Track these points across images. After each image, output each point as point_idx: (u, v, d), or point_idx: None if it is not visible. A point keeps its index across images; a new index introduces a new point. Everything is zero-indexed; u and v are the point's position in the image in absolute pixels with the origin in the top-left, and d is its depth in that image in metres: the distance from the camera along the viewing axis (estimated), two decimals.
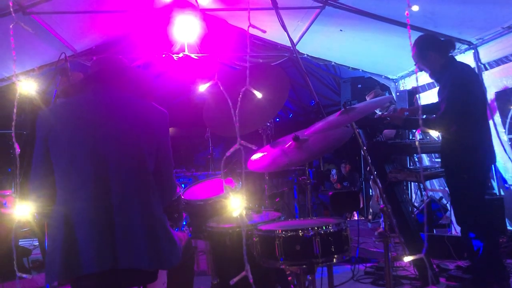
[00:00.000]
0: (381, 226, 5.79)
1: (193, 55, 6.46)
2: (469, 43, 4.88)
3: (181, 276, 2.34)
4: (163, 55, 6.48)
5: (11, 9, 4.31)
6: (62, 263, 1.80)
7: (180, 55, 6.40)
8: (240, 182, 3.16)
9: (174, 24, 6.01)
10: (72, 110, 1.96)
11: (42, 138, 1.92)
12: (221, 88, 0.89)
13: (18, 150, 0.89)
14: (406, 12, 1.02)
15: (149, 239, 1.88)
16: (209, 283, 2.77)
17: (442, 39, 3.47)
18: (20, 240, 4.94)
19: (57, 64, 2.92)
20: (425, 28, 4.65)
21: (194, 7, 5.81)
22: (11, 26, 1.09)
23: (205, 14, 6.11)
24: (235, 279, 0.86)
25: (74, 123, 1.91)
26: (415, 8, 2.11)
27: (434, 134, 3.21)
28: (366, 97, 5.84)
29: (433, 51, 3.35)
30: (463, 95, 3.19)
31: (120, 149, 1.90)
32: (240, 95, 0.84)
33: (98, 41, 6.36)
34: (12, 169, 5.58)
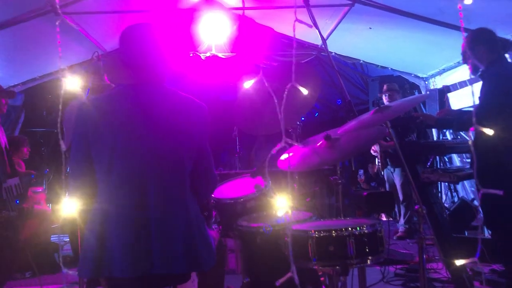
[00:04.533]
0: (400, 229, 5.66)
1: (220, 54, 6.46)
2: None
3: (212, 275, 2.32)
4: (190, 54, 6.50)
5: (57, 6, 4.38)
6: (93, 263, 1.79)
7: (208, 54, 6.41)
8: (269, 182, 3.14)
9: (201, 23, 6.03)
10: (112, 106, 1.89)
11: (81, 135, 1.85)
12: (267, 84, 0.87)
13: (64, 147, 0.90)
14: (459, 5, 0.98)
15: (186, 241, 1.84)
16: (238, 282, 2.76)
17: (497, 36, 3.35)
18: (51, 236, 5.04)
19: (90, 63, 2.95)
20: (458, 25, 4.54)
21: (222, 6, 5.82)
22: (57, 23, 1.10)
23: (233, 13, 6.11)
24: (281, 280, 0.84)
25: (114, 119, 1.84)
26: (468, 1, 1.98)
27: (489, 132, 3.12)
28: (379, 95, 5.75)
29: (481, 45, 3.24)
30: (501, 94, 3.09)
31: (158, 148, 1.85)
32: (286, 92, 0.82)
33: None
34: (49, 169, 5.71)
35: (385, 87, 5.69)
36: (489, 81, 3.16)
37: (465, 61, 3.40)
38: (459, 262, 1.31)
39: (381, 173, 6.10)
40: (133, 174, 1.82)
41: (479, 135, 3.25)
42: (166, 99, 1.94)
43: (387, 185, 5.93)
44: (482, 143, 3.24)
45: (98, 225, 1.81)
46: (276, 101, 0.84)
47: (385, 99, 5.51)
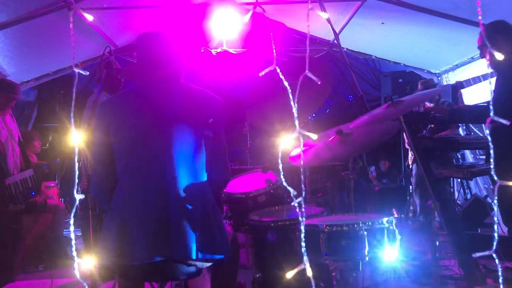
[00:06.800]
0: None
1: (231, 50, 6.45)
2: None
3: (225, 271, 2.33)
4: (202, 50, 6.50)
5: (72, 1, 4.41)
6: (115, 251, 1.84)
7: (219, 50, 6.41)
8: (280, 176, 3.13)
9: (212, 19, 6.02)
10: (130, 101, 1.99)
11: (102, 129, 1.95)
12: (280, 75, 0.86)
13: (77, 141, 0.90)
14: (478, 1, 0.95)
15: (204, 229, 1.90)
16: (248, 277, 2.75)
17: None
18: (64, 230, 5.07)
19: (102, 58, 2.96)
20: (473, 20, 4.47)
21: (233, 2, 5.80)
22: (70, 13, 1.10)
23: (243, 8, 6.09)
24: (293, 272, 0.83)
25: (131, 114, 1.94)
26: None
27: (505, 122, 3.08)
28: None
29: (502, 36, 3.17)
30: None
31: (176, 140, 1.91)
32: (299, 82, 0.81)
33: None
34: (59, 160, 5.74)
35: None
36: (502, 74, 3.11)
37: (482, 55, 3.33)
38: (471, 259, 1.29)
39: (404, 167, 5.98)
40: (151, 165, 1.89)
41: (495, 129, 3.20)
42: (183, 93, 2.02)
43: (413, 180, 5.78)
44: (498, 136, 3.19)
45: (118, 214, 1.88)
46: (289, 89, 0.83)
47: None
